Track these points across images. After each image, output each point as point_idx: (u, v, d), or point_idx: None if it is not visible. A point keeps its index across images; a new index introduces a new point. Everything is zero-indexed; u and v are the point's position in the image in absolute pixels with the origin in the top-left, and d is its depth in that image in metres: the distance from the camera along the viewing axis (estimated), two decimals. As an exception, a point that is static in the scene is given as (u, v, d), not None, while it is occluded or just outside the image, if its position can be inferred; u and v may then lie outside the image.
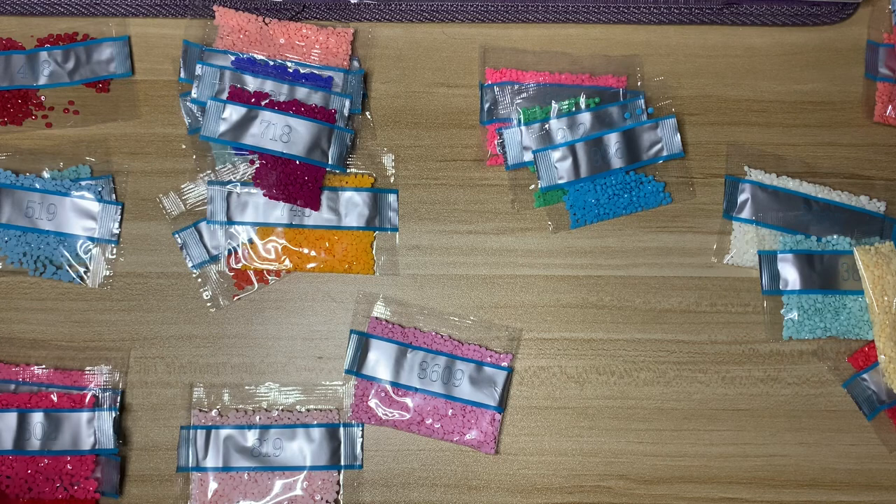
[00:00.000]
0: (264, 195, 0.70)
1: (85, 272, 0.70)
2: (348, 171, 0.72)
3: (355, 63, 0.74)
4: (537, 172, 0.71)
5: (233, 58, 0.71)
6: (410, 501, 0.69)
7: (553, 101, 0.72)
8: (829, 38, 0.76)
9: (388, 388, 0.69)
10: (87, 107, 0.73)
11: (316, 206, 0.70)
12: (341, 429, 0.69)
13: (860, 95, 0.75)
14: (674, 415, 0.70)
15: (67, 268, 0.70)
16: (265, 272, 0.71)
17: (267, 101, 0.70)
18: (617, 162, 0.71)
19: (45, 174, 0.71)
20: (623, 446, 0.70)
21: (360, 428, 0.69)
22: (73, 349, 0.70)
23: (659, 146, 0.72)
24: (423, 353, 0.69)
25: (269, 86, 0.71)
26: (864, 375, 0.70)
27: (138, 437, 0.69)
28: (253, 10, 0.73)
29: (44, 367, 0.69)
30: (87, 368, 0.69)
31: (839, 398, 0.71)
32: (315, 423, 0.69)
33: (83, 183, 0.71)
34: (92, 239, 0.70)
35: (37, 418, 0.67)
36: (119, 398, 0.69)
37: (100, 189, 0.71)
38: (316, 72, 0.72)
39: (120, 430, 0.68)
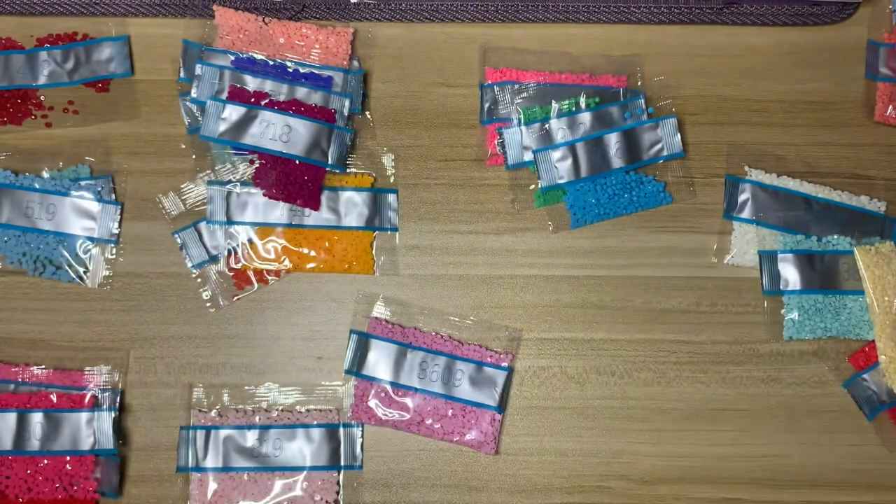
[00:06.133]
0: (264, 195, 0.70)
1: (84, 272, 0.70)
2: (348, 170, 0.72)
3: (355, 63, 0.73)
4: (537, 172, 0.71)
5: (232, 57, 0.71)
6: (410, 502, 0.69)
7: (553, 101, 0.72)
8: (829, 37, 0.76)
9: (388, 388, 0.69)
10: (86, 106, 0.73)
11: (315, 205, 0.70)
12: (341, 429, 0.69)
13: (861, 95, 0.75)
14: (674, 415, 0.70)
15: (67, 268, 0.70)
16: (265, 272, 0.71)
17: (267, 100, 0.70)
18: (617, 162, 0.71)
19: (45, 174, 0.71)
20: (623, 446, 0.70)
21: (360, 428, 0.69)
22: (72, 349, 0.69)
23: (659, 146, 0.72)
24: (423, 354, 0.69)
25: (268, 85, 0.71)
26: (865, 375, 0.70)
27: (138, 438, 0.69)
28: (253, 9, 0.73)
29: (43, 367, 0.69)
30: (87, 369, 0.69)
31: (839, 398, 0.71)
32: (315, 423, 0.68)
33: (83, 183, 0.71)
34: (91, 239, 0.70)
35: (36, 418, 0.67)
36: (118, 398, 0.69)
37: (99, 189, 0.71)
38: (316, 71, 0.72)
39: (119, 430, 0.68)
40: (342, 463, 0.68)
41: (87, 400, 0.68)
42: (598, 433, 0.70)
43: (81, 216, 0.70)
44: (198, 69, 0.70)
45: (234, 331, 0.71)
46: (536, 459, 0.70)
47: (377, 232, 0.71)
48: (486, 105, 0.72)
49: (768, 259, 0.71)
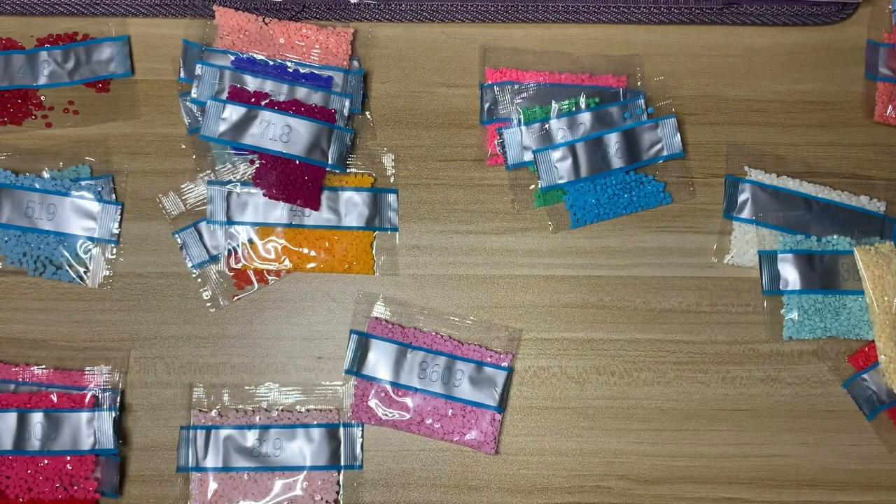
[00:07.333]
0: (264, 195, 0.70)
1: (85, 272, 0.70)
2: (348, 170, 0.72)
3: (355, 63, 0.74)
4: (537, 172, 0.71)
5: (233, 58, 0.71)
6: (410, 501, 0.69)
7: (553, 101, 0.72)
8: (829, 37, 0.76)
9: (388, 388, 0.69)
10: (86, 107, 0.73)
11: (316, 205, 0.70)
12: (341, 429, 0.69)
13: (860, 95, 0.75)
14: (674, 415, 0.70)
15: (67, 268, 0.70)
16: (265, 272, 0.71)
17: (267, 100, 0.70)
18: (617, 162, 0.71)
19: (45, 174, 0.71)
20: (623, 446, 0.70)
21: (360, 428, 0.69)
22: (72, 349, 0.69)
23: (659, 146, 0.72)
24: (423, 354, 0.69)
25: (268, 86, 0.71)
26: (865, 375, 0.70)
27: (138, 438, 0.69)
28: (253, 9, 0.73)
29: (43, 367, 0.69)
30: (87, 368, 0.69)
31: (839, 398, 0.71)
32: (315, 423, 0.69)
33: (83, 183, 0.71)
34: (92, 239, 0.70)
35: (36, 418, 0.67)
36: (119, 398, 0.69)
37: (99, 189, 0.71)
38: (316, 72, 0.72)
39: (120, 430, 0.68)
40: (342, 463, 0.68)
41: (87, 400, 0.68)
42: (598, 433, 0.70)
43: (82, 216, 0.70)
44: (198, 69, 0.70)
45: (234, 331, 0.71)
46: (536, 459, 0.70)
47: (377, 232, 0.72)
48: (486, 105, 0.72)
49: (768, 259, 0.71)
